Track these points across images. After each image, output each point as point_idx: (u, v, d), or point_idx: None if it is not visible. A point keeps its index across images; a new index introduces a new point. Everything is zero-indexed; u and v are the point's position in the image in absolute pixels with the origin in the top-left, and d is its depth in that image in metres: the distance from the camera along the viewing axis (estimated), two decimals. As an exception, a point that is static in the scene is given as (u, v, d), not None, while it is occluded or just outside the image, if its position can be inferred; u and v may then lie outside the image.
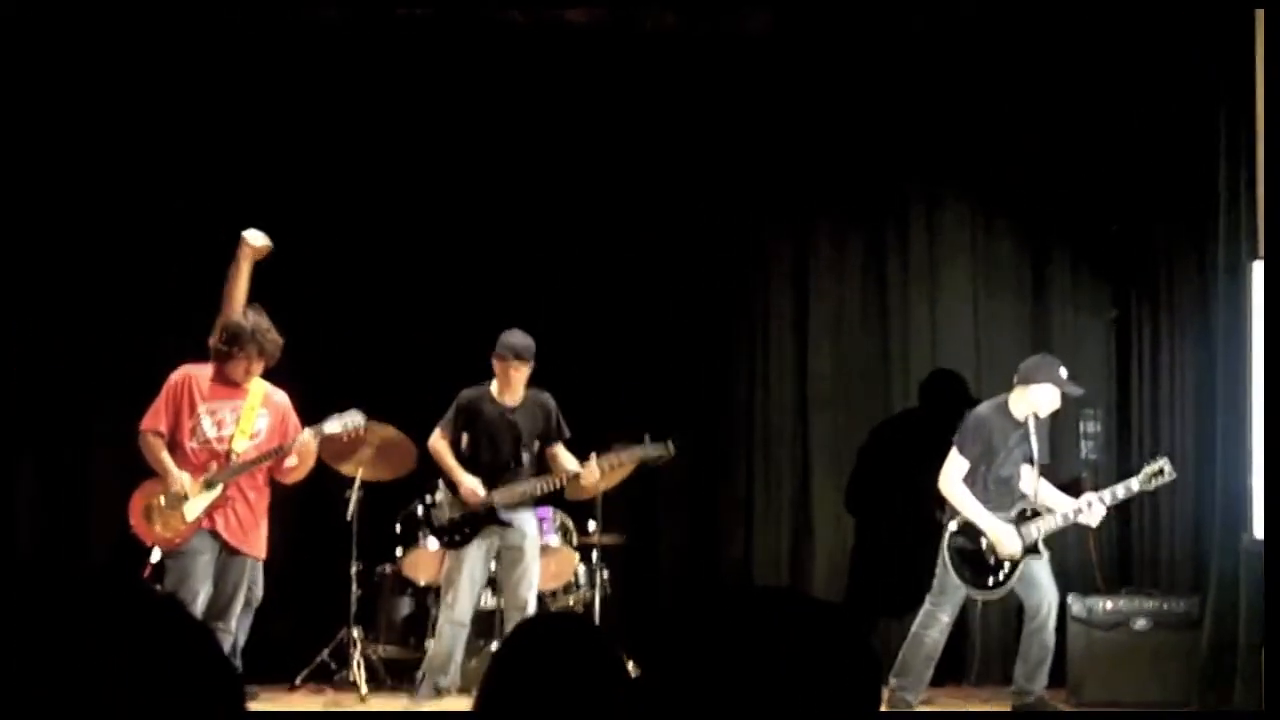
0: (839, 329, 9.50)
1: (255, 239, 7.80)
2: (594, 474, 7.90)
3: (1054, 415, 8.31)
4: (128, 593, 1.45)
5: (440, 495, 8.00)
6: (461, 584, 7.79)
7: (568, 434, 8.02)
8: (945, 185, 9.42)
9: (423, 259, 9.29)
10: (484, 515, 7.84)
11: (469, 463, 7.94)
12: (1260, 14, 7.55)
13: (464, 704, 7.73)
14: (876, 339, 9.49)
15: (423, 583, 8.42)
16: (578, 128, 9.32)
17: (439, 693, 7.83)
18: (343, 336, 9.12)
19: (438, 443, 7.99)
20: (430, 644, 8.02)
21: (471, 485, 7.81)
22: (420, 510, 8.20)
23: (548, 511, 8.61)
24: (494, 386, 7.95)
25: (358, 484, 8.29)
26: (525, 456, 7.91)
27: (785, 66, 9.31)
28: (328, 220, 9.29)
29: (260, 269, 8.91)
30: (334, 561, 8.71)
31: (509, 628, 7.71)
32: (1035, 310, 9.37)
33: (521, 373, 7.88)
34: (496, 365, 7.93)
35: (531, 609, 7.83)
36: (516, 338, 7.90)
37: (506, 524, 7.83)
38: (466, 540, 7.83)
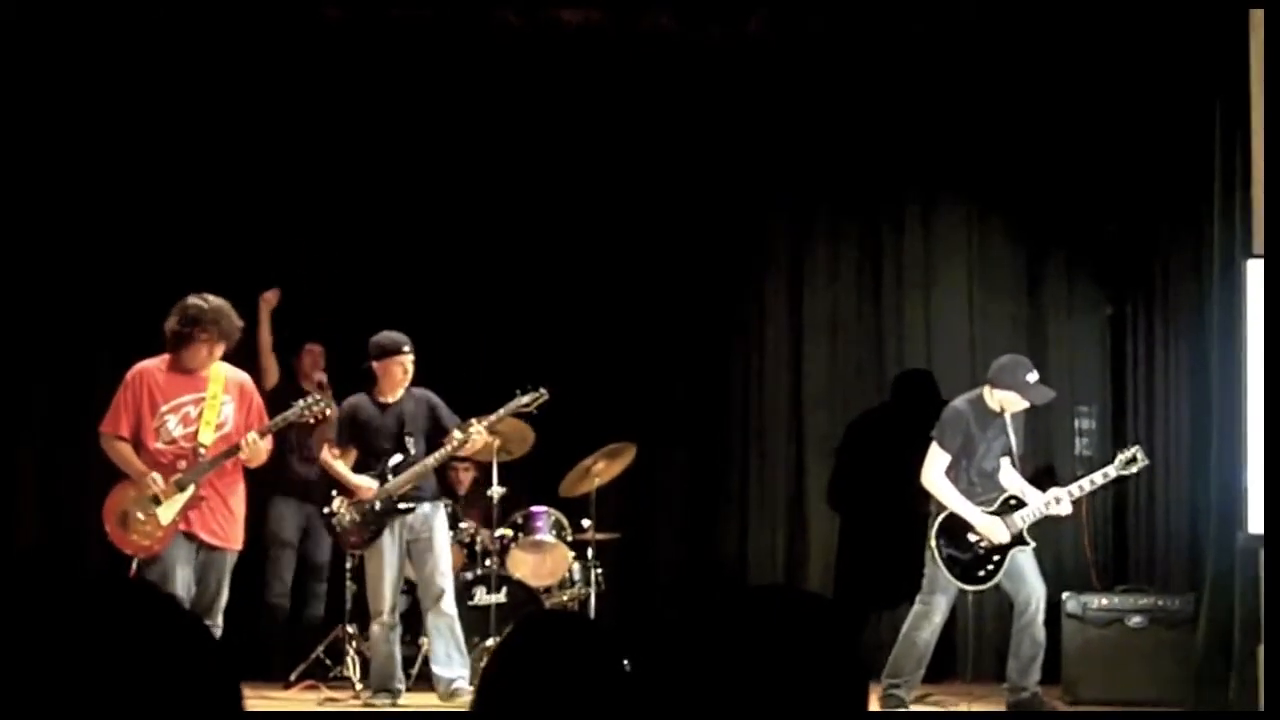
0: (834, 327, 9.51)
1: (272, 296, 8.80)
2: (478, 438, 7.83)
3: (1048, 411, 8.31)
4: (125, 590, 1.44)
5: (336, 503, 7.98)
6: (384, 584, 7.76)
7: (457, 419, 7.93)
8: (941, 184, 9.43)
9: (417, 257, 9.30)
10: (384, 510, 7.81)
11: (362, 467, 7.93)
12: (1258, 14, 7.54)
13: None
14: (871, 337, 9.50)
15: (410, 577, 8.40)
16: (573, 128, 9.33)
17: (394, 696, 7.79)
18: (334, 333, 9.12)
19: (326, 456, 8.00)
20: (369, 648, 7.99)
21: (362, 482, 7.81)
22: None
23: (542, 509, 8.62)
24: (374, 390, 7.95)
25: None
26: (411, 443, 7.87)
27: (781, 67, 9.31)
28: (322, 217, 9.30)
29: (247, 267, 8.95)
30: (329, 558, 8.72)
31: (426, 618, 7.78)
32: (1030, 308, 9.37)
33: (404, 365, 7.86)
34: (379, 368, 7.89)
35: (448, 598, 7.77)
36: (391, 335, 7.90)
37: (408, 511, 7.79)
38: (374, 537, 7.80)
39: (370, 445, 7.94)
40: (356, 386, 8.09)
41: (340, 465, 7.95)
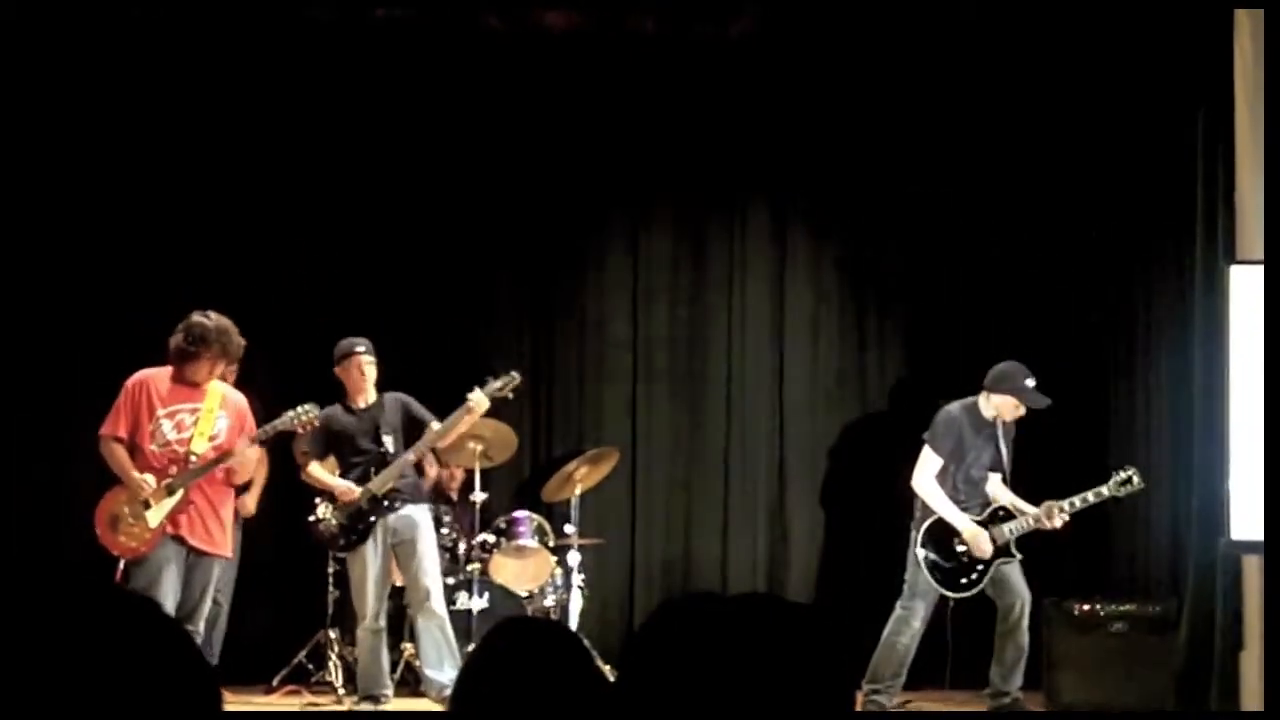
0: (816, 332, 9.51)
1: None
2: (445, 433, 7.89)
3: (1028, 417, 8.32)
4: (105, 595, 1.44)
5: (321, 509, 7.99)
6: (368, 588, 7.77)
7: (432, 419, 7.94)
8: (924, 190, 9.42)
9: (400, 257, 9.29)
10: (367, 511, 7.84)
11: (344, 476, 7.96)
12: (1244, 23, 7.56)
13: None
14: (853, 343, 9.50)
15: (398, 583, 8.39)
16: (555, 131, 9.32)
17: (379, 702, 7.79)
18: (317, 334, 9.10)
19: (309, 468, 8.04)
20: (358, 652, 7.99)
21: (345, 485, 7.85)
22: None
23: (524, 514, 8.62)
24: (345, 398, 8.00)
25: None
26: (389, 441, 7.91)
27: (765, 70, 9.32)
28: (305, 217, 9.29)
29: (236, 263, 8.92)
30: (310, 563, 8.70)
31: (415, 620, 7.79)
32: (1013, 314, 9.38)
33: (368, 368, 7.91)
34: (340, 373, 7.97)
35: (437, 597, 7.78)
36: (348, 339, 7.98)
37: (391, 510, 7.82)
38: (360, 541, 7.83)
39: (347, 450, 7.97)
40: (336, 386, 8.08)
41: (321, 472, 7.98)
